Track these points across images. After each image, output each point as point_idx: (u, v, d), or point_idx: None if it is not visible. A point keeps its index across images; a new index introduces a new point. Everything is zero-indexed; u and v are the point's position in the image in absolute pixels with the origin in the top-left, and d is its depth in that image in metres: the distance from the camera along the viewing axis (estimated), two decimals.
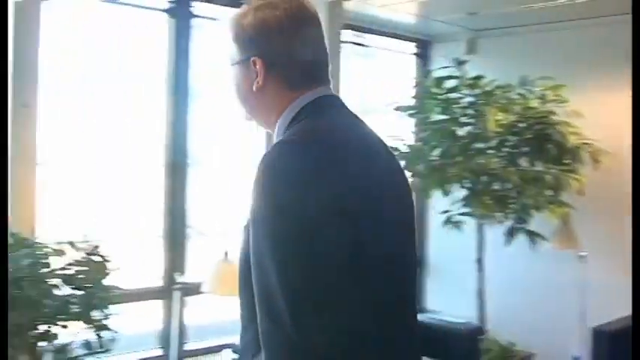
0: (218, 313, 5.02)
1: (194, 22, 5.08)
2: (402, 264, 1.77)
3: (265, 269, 1.57)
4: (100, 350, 3.72)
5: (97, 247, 3.79)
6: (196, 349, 5.06)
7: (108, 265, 3.80)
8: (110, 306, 3.72)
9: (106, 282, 3.74)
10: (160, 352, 4.97)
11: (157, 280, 4.97)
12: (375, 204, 1.69)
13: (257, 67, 1.77)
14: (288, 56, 1.77)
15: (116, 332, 3.77)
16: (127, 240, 4.98)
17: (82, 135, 4.77)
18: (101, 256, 3.79)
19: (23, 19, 3.85)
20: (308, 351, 1.53)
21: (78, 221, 4.69)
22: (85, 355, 3.66)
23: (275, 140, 1.76)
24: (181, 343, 4.80)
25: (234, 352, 4.46)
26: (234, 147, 5.50)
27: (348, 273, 1.58)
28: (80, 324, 3.54)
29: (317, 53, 1.83)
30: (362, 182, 1.67)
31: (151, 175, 5.06)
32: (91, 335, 3.61)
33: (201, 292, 4.47)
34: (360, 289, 1.59)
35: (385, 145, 1.87)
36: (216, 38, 4.95)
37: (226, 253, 4.39)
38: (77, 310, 3.51)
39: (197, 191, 5.17)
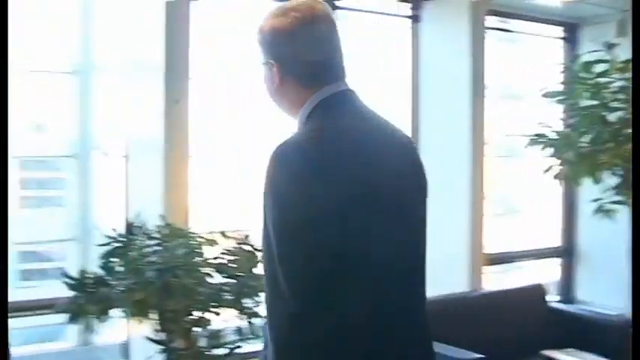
0: None
1: (336, 14, 5.10)
2: (399, 259, 1.92)
3: (271, 252, 1.82)
4: (250, 337, 3.83)
5: (247, 236, 3.90)
6: None
7: (258, 254, 3.90)
8: (260, 294, 3.82)
9: (256, 271, 3.84)
10: None
11: None
12: (370, 201, 1.85)
13: (274, 69, 1.97)
14: (298, 59, 1.96)
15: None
16: None
17: (232, 128, 4.89)
18: (251, 246, 3.89)
19: (174, 18, 4.00)
20: (306, 322, 1.78)
21: (229, 211, 4.82)
22: (237, 341, 3.78)
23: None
24: None
25: None
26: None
27: (337, 262, 1.79)
28: (232, 311, 3.66)
29: (328, 53, 2.00)
30: (358, 181, 1.85)
31: None
32: (242, 322, 3.72)
33: None
34: (350, 278, 1.81)
35: (401, 138, 2.06)
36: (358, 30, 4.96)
37: None
38: (229, 297, 3.62)
39: None
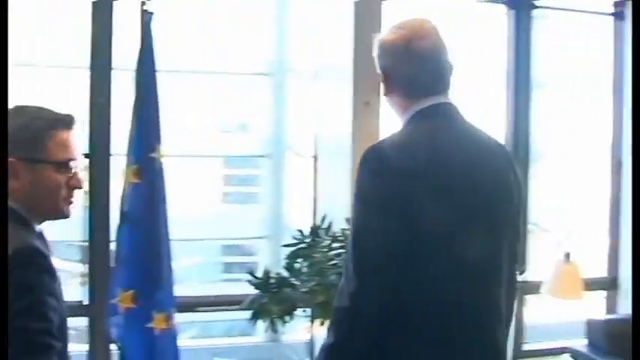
0: (559, 315, 4.83)
1: (535, 12, 4.91)
2: (475, 266, 2.03)
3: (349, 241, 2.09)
4: None
5: None
6: (535, 350, 4.89)
7: None
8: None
9: None
10: None
11: None
12: (447, 206, 2.00)
13: (384, 79, 2.17)
14: (402, 71, 2.14)
15: None
16: None
17: None
18: None
19: (363, 18, 3.98)
20: (365, 302, 1.98)
21: None
22: None
23: None
24: (519, 342, 4.67)
25: (573, 357, 4.26)
26: (581, 140, 5.25)
27: (400, 257, 1.96)
28: None
29: (431, 68, 2.14)
30: (437, 185, 2.00)
31: None
32: None
33: (540, 292, 4.31)
34: (416, 274, 1.98)
35: (495, 150, 2.19)
36: (559, 28, 4.76)
37: (567, 255, 4.18)
38: None
39: (541, 186, 4.99)
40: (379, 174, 2.00)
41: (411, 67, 2.13)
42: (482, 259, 2.05)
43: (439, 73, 2.16)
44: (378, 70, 2.20)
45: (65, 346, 1.96)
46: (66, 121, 2.01)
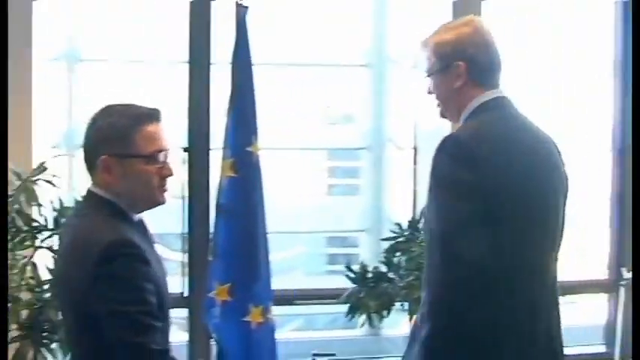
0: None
1: None
2: (539, 264, 2.19)
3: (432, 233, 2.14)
4: None
5: None
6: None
7: None
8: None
9: None
10: (603, 348, 4.69)
11: (602, 274, 4.69)
12: (520, 202, 2.10)
13: (459, 70, 2.21)
14: (482, 61, 2.23)
15: None
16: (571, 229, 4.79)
17: None
18: None
19: (461, 10, 3.91)
20: (451, 282, 2.04)
21: None
22: None
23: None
24: (625, 342, 4.48)
25: None
26: None
27: (481, 240, 2.03)
28: None
29: (498, 60, 2.27)
30: (512, 179, 2.10)
31: (598, 161, 4.80)
32: None
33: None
34: (490, 255, 2.04)
35: (548, 142, 2.26)
36: None
37: None
38: None
39: None
40: (471, 163, 2.06)
41: (488, 57, 2.24)
42: (542, 247, 2.20)
43: (500, 67, 2.29)
44: (439, 66, 2.24)
45: (166, 331, 2.09)
46: (151, 116, 2.11)
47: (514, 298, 2.12)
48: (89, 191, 2.12)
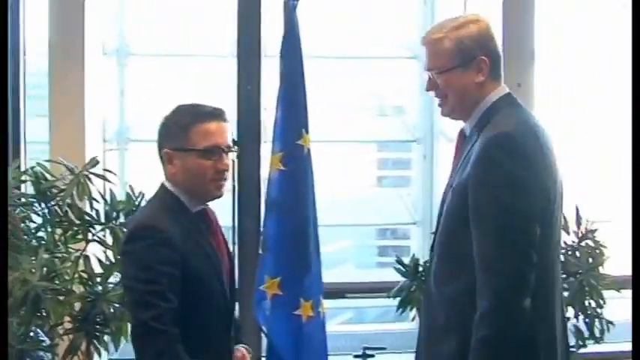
0: None
1: None
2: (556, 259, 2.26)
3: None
4: (589, 337, 3.58)
5: (592, 231, 3.63)
6: None
7: (605, 251, 3.62)
8: (604, 293, 3.56)
9: (601, 270, 3.57)
10: None
11: None
12: (553, 194, 2.15)
13: (482, 64, 2.21)
14: (499, 55, 2.25)
15: (611, 322, 3.58)
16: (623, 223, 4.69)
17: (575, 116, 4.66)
18: (596, 242, 3.62)
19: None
20: (518, 282, 2.05)
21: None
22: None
23: (467, 126, 2.27)
24: None
25: None
26: None
27: (543, 238, 2.09)
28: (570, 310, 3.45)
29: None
30: (547, 173, 2.14)
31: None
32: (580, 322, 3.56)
33: None
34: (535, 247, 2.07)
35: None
36: None
37: None
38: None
39: None
40: (525, 160, 2.08)
41: (499, 52, 2.26)
42: (558, 240, 2.28)
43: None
44: (460, 62, 2.20)
45: (203, 314, 2.28)
46: (211, 114, 2.32)
47: (554, 295, 2.20)
48: (160, 183, 2.36)
